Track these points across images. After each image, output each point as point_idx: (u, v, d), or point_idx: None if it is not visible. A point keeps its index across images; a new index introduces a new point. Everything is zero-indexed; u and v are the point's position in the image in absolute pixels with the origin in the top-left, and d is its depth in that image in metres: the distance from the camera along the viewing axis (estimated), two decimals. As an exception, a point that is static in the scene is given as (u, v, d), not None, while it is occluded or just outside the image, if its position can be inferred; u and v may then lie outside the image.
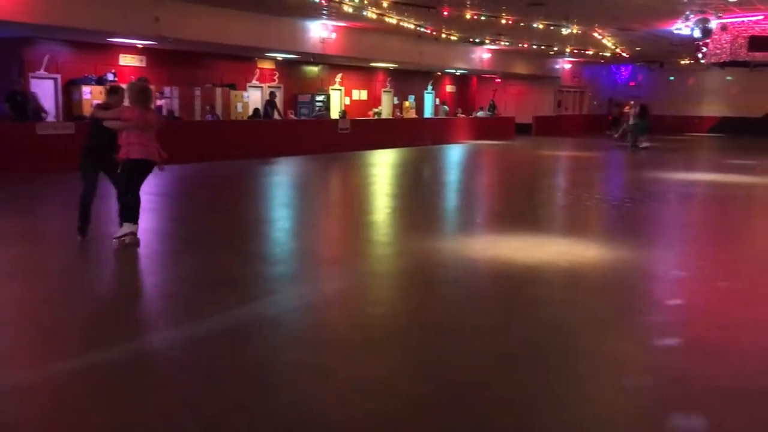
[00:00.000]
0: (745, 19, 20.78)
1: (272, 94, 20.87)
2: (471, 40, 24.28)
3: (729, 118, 34.48)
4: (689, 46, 22.45)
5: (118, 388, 3.96)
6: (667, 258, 7.89)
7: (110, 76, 17.84)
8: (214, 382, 4.05)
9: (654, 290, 6.53)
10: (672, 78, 34.60)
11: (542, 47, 26.21)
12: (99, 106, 7.87)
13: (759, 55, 20.92)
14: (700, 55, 22.70)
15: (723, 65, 24.00)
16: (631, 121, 24.81)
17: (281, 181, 14.99)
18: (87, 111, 16.54)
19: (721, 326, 5.31)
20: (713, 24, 18.95)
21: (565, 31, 21.18)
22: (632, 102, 25.92)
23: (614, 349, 4.75)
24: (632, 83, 36.35)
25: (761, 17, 20.70)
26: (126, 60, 18.68)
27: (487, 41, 25.05)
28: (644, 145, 24.10)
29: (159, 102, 17.64)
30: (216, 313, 5.25)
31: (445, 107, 29.29)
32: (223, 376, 4.13)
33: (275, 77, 23.01)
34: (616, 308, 5.77)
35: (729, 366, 4.46)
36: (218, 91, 19.92)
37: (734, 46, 20.85)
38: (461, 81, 32.47)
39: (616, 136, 27.50)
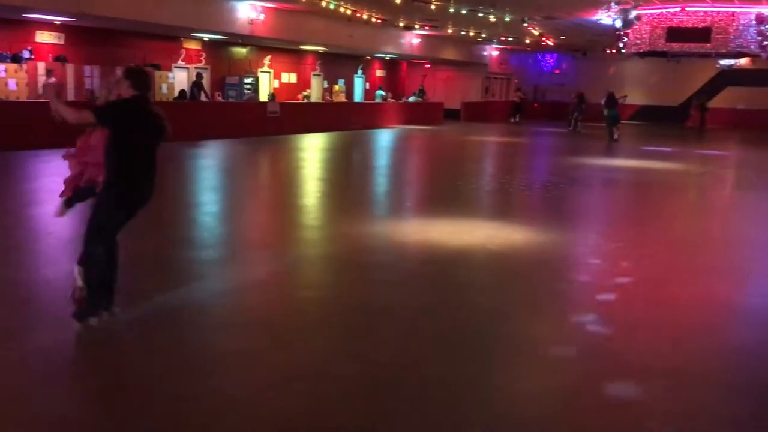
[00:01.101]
0: (663, 10, 21.58)
1: (199, 75, 20.38)
2: (401, 24, 24.32)
3: (648, 107, 35.77)
4: (611, 35, 23.15)
5: (44, 375, 3.83)
6: (590, 240, 8.15)
7: (26, 54, 17.03)
8: (142, 367, 3.97)
9: (577, 272, 6.75)
10: (596, 66, 35.62)
11: (470, 34, 26.51)
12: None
13: (676, 46, 21.79)
14: (621, 45, 23.45)
15: (643, 55, 24.88)
16: (605, 113, 23.19)
17: (209, 165, 14.70)
18: (2, 92, 15.77)
19: (641, 305, 5.54)
20: (633, 14, 19.60)
21: (492, 18, 21.47)
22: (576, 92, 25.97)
23: (540, 329, 4.90)
24: (557, 71, 37.22)
25: (678, 9, 21.55)
26: (43, 37, 17.86)
27: (416, 26, 25.14)
28: (616, 136, 22.58)
29: (51, 80, 15.86)
30: (143, 298, 5.13)
31: (382, 92, 29.30)
32: (151, 361, 4.04)
33: (202, 58, 22.48)
34: (541, 290, 5.94)
35: (649, 343, 4.67)
36: (142, 71, 19.27)
37: (653, 36, 21.63)
38: (391, 66, 32.51)
39: (571, 128, 27.26)
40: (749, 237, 8.77)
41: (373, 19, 21.90)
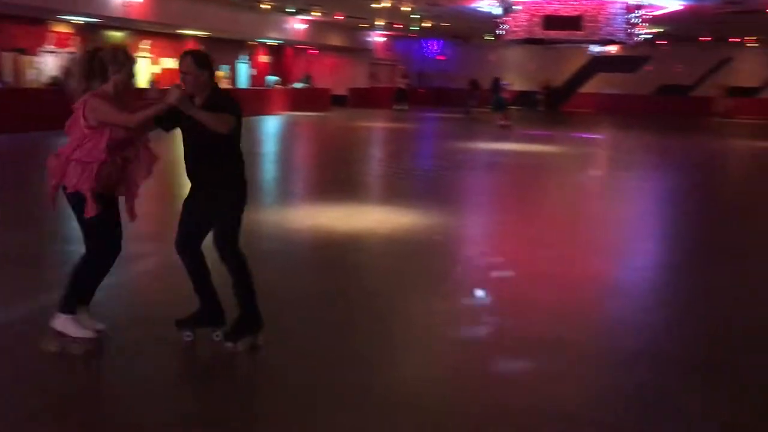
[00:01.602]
0: (540, -1, 22.41)
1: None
2: (286, 9, 23.98)
3: (527, 92, 37.20)
4: (491, 23, 23.83)
5: None
6: (477, 222, 8.40)
7: None
8: (18, 369, 3.72)
9: (465, 253, 6.93)
10: (475, 53, 36.60)
11: (355, 19, 26.52)
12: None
13: (552, 34, 22.71)
14: (500, 32, 24.16)
15: (521, 42, 25.78)
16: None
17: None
18: None
19: (526, 283, 5.76)
20: (511, 2, 20.26)
21: (375, 5, 21.55)
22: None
23: (434, 309, 4.99)
24: (441, 57, 37.94)
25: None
26: None
27: (301, 11, 24.87)
28: (501, 123, 22.31)
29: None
30: (16, 296, 4.80)
31: (273, 78, 28.70)
32: (27, 363, 3.80)
33: (72, 42, 21.23)
34: (431, 271, 6.05)
35: (535, 318, 4.86)
36: (7, 56, 18.02)
37: (530, 24, 22.44)
38: (276, 51, 32.03)
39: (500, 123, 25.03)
40: (624, 215, 9.32)
41: (261, 5, 21.44)
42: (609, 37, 23.31)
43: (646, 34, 26.69)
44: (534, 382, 3.83)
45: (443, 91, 35.89)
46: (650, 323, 4.84)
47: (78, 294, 3.95)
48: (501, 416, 3.42)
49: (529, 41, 24.66)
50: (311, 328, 4.51)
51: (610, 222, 8.74)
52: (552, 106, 32.30)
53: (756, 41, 30.90)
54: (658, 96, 36.03)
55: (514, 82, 32.55)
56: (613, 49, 33.38)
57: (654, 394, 3.69)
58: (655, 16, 22.71)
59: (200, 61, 3.91)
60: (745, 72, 34.74)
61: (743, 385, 3.87)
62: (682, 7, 20.90)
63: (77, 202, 3.86)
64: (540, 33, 23.14)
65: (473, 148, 16.84)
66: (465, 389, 3.75)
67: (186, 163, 4.08)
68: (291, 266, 6.08)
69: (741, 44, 31.38)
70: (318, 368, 3.85)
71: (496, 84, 23.92)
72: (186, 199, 4.11)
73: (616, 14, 21.84)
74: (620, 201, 10.51)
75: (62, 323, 3.89)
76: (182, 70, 3.92)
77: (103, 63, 3.89)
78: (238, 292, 4.03)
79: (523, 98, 34.25)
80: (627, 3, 21.95)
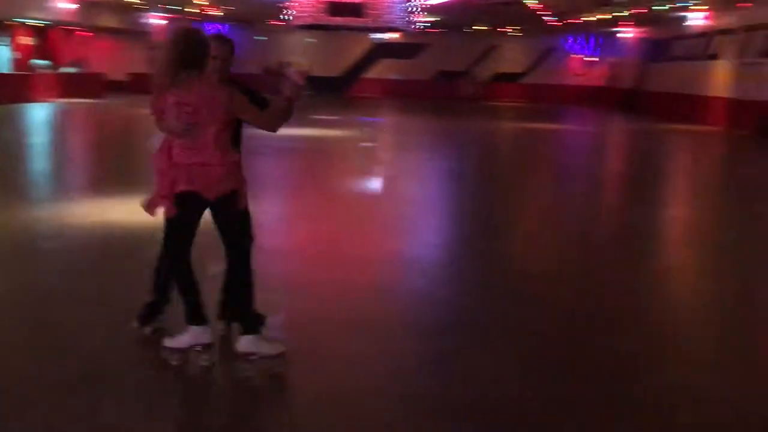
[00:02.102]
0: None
1: None
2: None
3: (314, 77, 37.56)
4: (275, 8, 23.72)
5: None
6: (271, 208, 8.35)
7: None
8: None
9: (264, 240, 6.86)
10: (263, 38, 36.20)
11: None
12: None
13: (337, 20, 23.13)
14: (286, 17, 24.14)
15: (307, 28, 25.97)
16: None
17: None
18: None
19: (324, 264, 5.85)
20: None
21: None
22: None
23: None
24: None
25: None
26: None
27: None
28: None
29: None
30: None
31: (40, 62, 26.01)
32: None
33: None
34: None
35: (336, 298, 4.95)
36: None
37: (316, 10, 22.67)
38: (43, 33, 29.18)
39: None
40: (412, 195, 9.79)
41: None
42: (390, 25, 24.26)
43: (423, 22, 28.17)
44: (340, 362, 3.91)
45: (235, 77, 34.86)
46: (444, 296, 5.15)
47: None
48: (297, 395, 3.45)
49: (315, 27, 24.93)
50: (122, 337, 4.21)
51: (401, 201, 9.14)
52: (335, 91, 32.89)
53: (519, 30, 33.88)
54: (436, 81, 38.19)
55: (310, 68, 32.74)
56: (394, 36, 34.80)
57: (454, 359, 3.94)
58: (431, 6, 24.00)
59: (233, 47, 3.79)
60: (509, 59, 38.00)
61: (511, 338, 4.27)
62: (454, -2, 22.34)
63: (233, 200, 3.71)
64: (325, 19, 23.48)
65: (262, 134, 16.66)
66: (277, 374, 3.73)
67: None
68: (87, 266, 5.62)
69: (505, 33, 34.24)
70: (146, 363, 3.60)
71: (278, 70, 23.51)
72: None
73: (395, 3, 22.80)
74: (408, 181, 11.02)
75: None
76: (214, 55, 3.63)
77: (204, 49, 3.57)
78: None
79: (316, 83, 34.53)
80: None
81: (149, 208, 3.82)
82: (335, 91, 35.19)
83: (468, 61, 38.06)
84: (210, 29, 36.79)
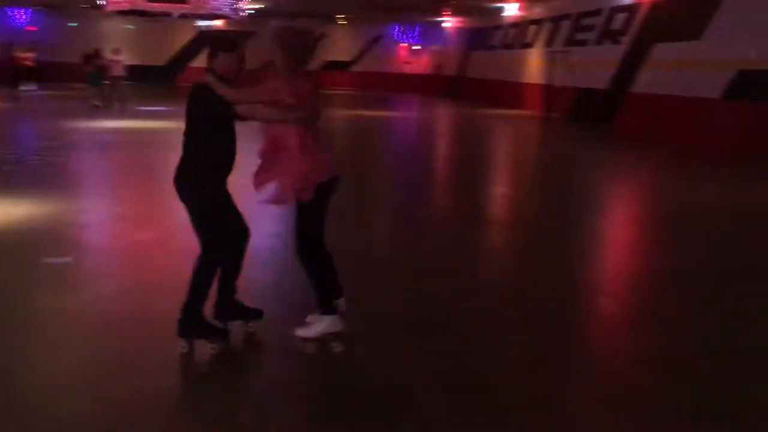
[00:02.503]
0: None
1: None
2: None
3: (136, 66, 35.63)
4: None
5: None
6: (99, 205, 7.86)
7: None
8: None
9: (89, 237, 6.45)
10: (73, 24, 33.72)
11: None
12: (216, 77, 3.78)
13: (157, 6, 22.07)
14: (102, 2, 22.67)
15: (124, 14, 24.54)
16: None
17: None
18: None
19: (153, 260, 5.60)
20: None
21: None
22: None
23: (65, 302, 4.56)
24: (32, 28, 34.06)
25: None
26: None
27: None
28: (96, 103, 19.88)
29: None
30: None
31: None
32: None
33: None
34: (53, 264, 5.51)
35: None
36: None
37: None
38: None
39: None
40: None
41: None
42: (215, 12, 23.55)
43: (249, 9, 27.64)
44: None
45: (56, 66, 31.75)
46: (288, 285, 5.12)
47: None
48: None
49: (132, 13, 23.63)
50: None
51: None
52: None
53: (348, 19, 34.18)
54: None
55: (126, 56, 30.92)
56: (219, 23, 33.84)
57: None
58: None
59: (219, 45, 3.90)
60: (339, 47, 38.33)
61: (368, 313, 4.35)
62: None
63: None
64: (143, 5, 22.33)
65: (87, 127, 15.59)
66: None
67: (233, 149, 3.97)
68: None
69: (334, 21, 34.43)
70: None
71: (94, 58, 20.84)
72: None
73: (219, -11, 22.17)
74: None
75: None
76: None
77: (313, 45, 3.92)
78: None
79: (140, 73, 32.78)
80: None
81: (280, 202, 3.84)
82: (161, 81, 33.63)
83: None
84: (13, 14, 33.76)
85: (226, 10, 23.72)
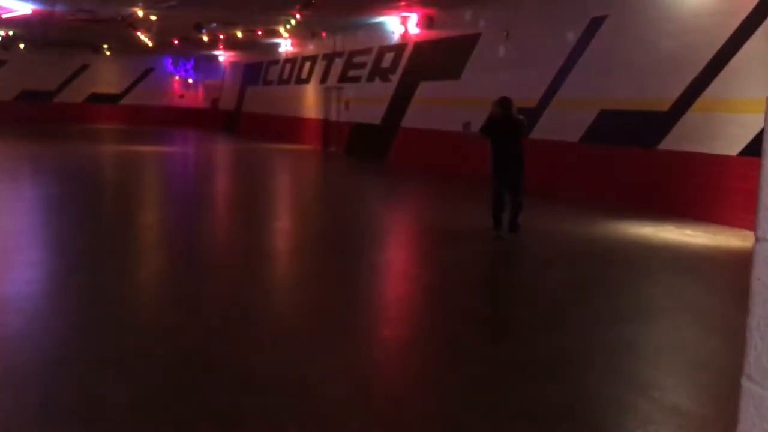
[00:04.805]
0: None
1: None
2: None
3: None
4: None
5: None
6: None
7: None
8: None
9: None
10: None
11: None
12: None
13: None
14: None
15: None
16: None
17: None
18: None
19: None
20: None
21: None
22: None
23: None
24: None
25: None
26: None
27: None
28: None
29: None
30: None
31: None
32: None
33: None
34: None
35: None
36: None
37: None
38: None
39: None
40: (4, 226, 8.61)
41: None
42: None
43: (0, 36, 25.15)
44: None
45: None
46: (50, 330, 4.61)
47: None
48: None
49: None
50: None
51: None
52: None
53: (114, 49, 32.31)
54: (19, 101, 34.54)
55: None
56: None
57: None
58: (5, 18, 21.49)
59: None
60: (105, 79, 36.19)
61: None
62: (32, 12, 20.28)
63: None
64: None
65: None
66: None
67: (500, 151, 8.45)
68: None
69: (100, 52, 32.40)
70: None
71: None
72: (501, 171, 8.42)
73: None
74: (7, 213, 9.68)
75: None
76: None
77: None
78: (514, 210, 8.44)
79: None
80: None
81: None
82: None
83: (57, 81, 35.22)
84: None
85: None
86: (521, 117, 8.50)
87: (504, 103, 8.29)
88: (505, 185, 8.32)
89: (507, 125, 8.26)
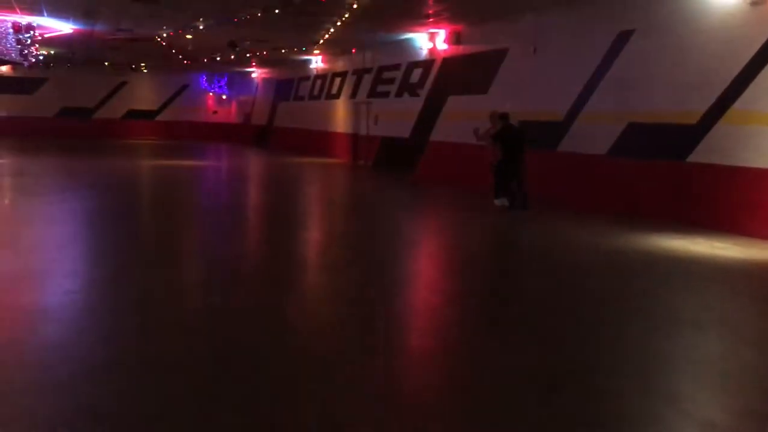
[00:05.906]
0: None
1: None
2: None
3: None
4: None
5: None
6: None
7: None
8: None
9: None
10: None
11: None
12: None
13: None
14: None
15: None
16: None
17: None
18: None
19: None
20: None
21: None
22: None
23: None
24: None
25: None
26: None
27: None
28: None
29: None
30: None
31: None
32: None
33: None
34: None
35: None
36: None
37: None
38: None
39: None
40: (43, 238, 8.91)
41: None
42: (1, 57, 21.80)
43: (40, 55, 25.96)
44: None
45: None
46: (83, 340, 4.83)
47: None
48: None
49: None
50: None
51: (32, 247, 8.28)
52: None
53: (150, 67, 33.14)
54: (60, 118, 35.49)
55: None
56: (4, 69, 31.41)
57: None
58: (47, 38, 22.20)
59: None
60: (142, 96, 37.07)
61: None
62: (72, 31, 20.93)
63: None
64: None
65: None
66: None
67: (509, 151, 11.90)
68: None
69: (137, 69, 33.25)
70: None
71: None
72: (510, 163, 11.88)
73: (4, 33, 20.51)
74: (33, 226, 10.03)
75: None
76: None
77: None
78: (520, 189, 11.99)
79: None
80: (15, 22, 20.86)
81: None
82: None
83: (97, 98, 36.15)
84: None
85: (15, 56, 22.03)
86: (520, 127, 12.37)
87: (504, 117, 12.09)
88: (510, 176, 11.95)
89: (511, 132, 12.00)
